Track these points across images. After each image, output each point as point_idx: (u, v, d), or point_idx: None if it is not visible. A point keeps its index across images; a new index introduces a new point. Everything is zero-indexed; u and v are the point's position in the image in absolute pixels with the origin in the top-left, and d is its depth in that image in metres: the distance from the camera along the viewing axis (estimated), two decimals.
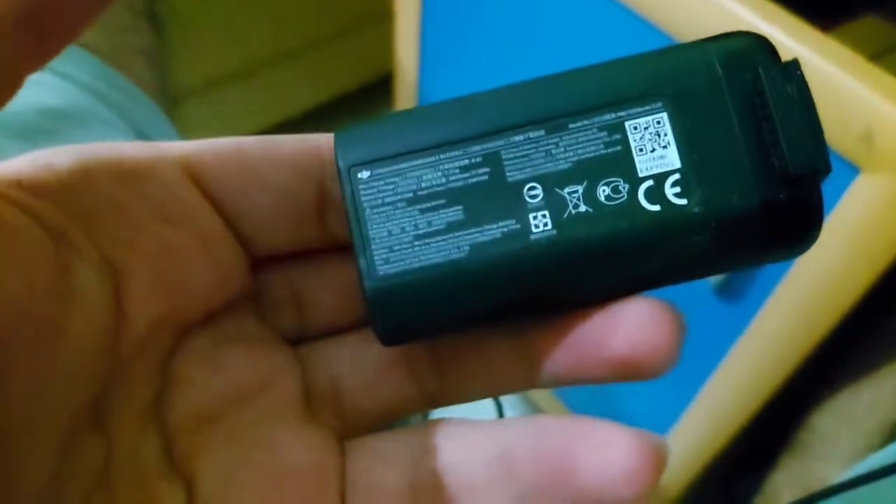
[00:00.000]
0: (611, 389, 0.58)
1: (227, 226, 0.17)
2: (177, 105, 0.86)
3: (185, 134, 0.48)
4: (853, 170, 0.33)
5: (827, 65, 0.32)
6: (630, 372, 0.15)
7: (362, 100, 0.99)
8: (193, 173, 0.16)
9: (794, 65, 0.15)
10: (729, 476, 0.66)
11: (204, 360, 0.17)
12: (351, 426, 0.18)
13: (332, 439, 0.17)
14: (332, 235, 0.18)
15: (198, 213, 0.16)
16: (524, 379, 0.17)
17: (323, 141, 0.17)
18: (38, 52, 0.13)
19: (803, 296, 0.39)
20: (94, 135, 0.35)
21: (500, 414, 0.49)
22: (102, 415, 0.15)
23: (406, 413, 0.18)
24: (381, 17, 0.67)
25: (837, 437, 0.50)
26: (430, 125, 0.17)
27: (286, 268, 0.18)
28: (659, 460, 0.15)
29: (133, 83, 0.44)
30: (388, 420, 0.18)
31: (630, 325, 0.15)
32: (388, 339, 0.16)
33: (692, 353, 0.50)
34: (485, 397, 0.18)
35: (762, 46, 0.16)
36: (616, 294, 0.16)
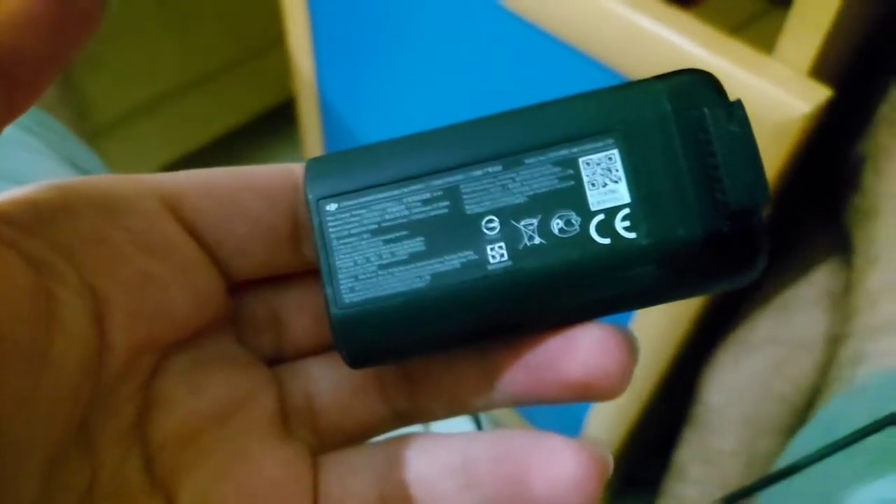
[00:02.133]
0: None
1: (205, 253, 0.18)
2: (93, 142, 0.86)
3: (107, 169, 0.48)
4: None
5: (682, 39, 0.35)
6: (584, 394, 0.16)
7: (276, 120, 0.99)
8: (172, 205, 0.17)
9: (738, 104, 0.16)
10: (645, 460, 0.67)
11: (184, 380, 0.18)
12: (325, 442, 0.19)
13: (306, 454, 0.18)
14: (306, 259, 0.19)
15: (176, 242, 0.17)
16: (488, 399, 0.18)
17: (296, 169, 0.18)
18: (7, 106, 0.13)
19: None
20: (23, 164, 0.36)
21: (479, 427, 0.49)
22: (87, 437, 0.16)
23: (379, 431, 0.19)
24: (284, 40, 0.68)
25: (727, 410, 0.52)
26: (394, 159, 0.17)
27: (263, 291, 0.20)
28: (602, 470, 0.15)
29: (55, 119, 0.44)
30: (361, 437, 0.19)
31: (583, 350, 0.16)
32: (354, 362, 0.17)
33: None
34: (452, 416, 0.19)
35: (709, 85, 0.17)
36: (571, 320, 0.17)
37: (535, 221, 0.16)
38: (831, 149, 0.50)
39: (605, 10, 0.36)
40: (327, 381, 0.19)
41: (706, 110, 0.16)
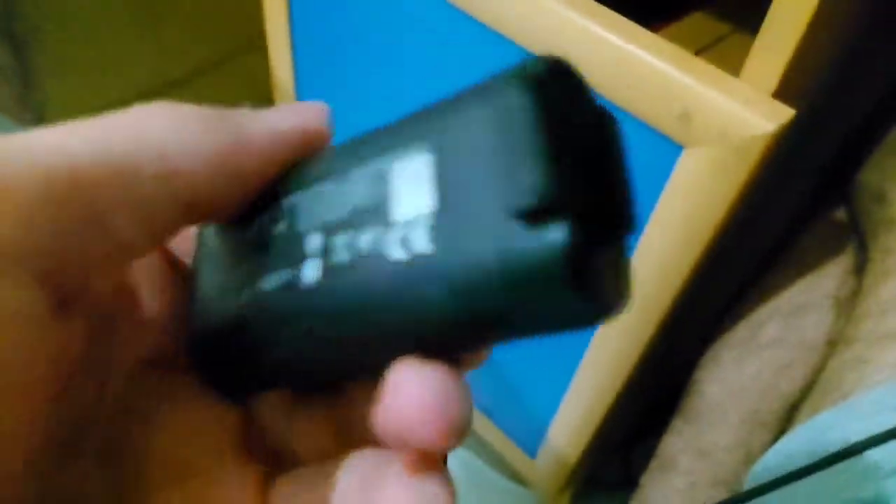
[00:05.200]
0: (504, 369, 0.60)
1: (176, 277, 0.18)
2: None
3: None
4: (677, 147, 0.35)
5: (650, 57, 0.36)
6: (412, 446, 0.14)
7: None
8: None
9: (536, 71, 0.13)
10: (627, 443, 0.68)
11: (159, 398, 0.18)
12: (282, 466, 0.18)
13: (262, 476, 0.18)
14: None
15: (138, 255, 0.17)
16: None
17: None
18: None
19: (651, 265, 0.41)
20: None
21: None
22: (64, 458, 0.15)
23: (325, 454, 0.18)
24: (259, 43, 0.68)
25: (725, 406, 0.51)
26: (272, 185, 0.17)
27: None
28: None
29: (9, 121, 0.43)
30: (310, 460, 0.18)
31: (401, 404, 0.13)
32: (217, 385, 0.17)
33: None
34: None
35: (528, 82, 0.13)
36: (392, 351, 0.14)
37: (346, 237, 0.15)
38: (846, 156, 0.50)
39: (574, 26, 0.36)
40: (275, 409, 0.19)
41: (527, 113, 0.13)
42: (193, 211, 0.16)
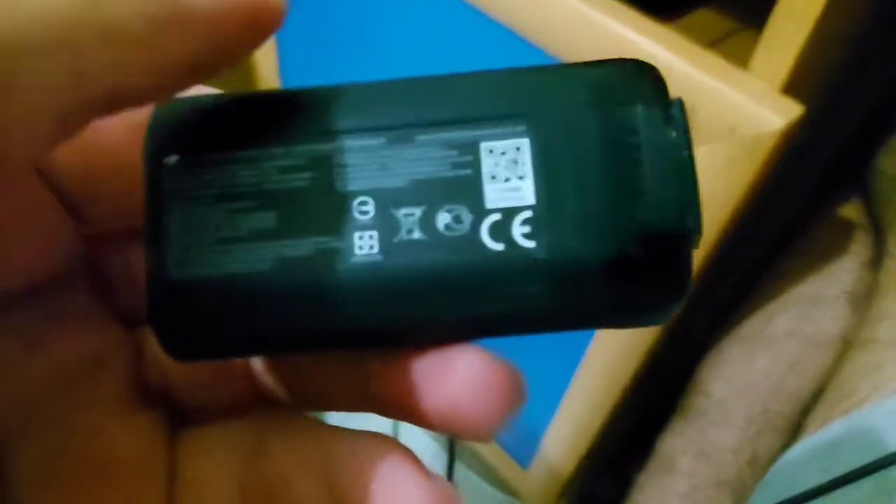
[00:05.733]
0: None
1: (51, 190, 0.14)
2: None
3: None
4: None
5: (659, 49, 0.35)
6: (447, 429, 0.14)
7: None
8: None
9: (678, 104, 0.13)
10: (622, 455, 0.66)
11: (20, 337, 0.15)
12: (184, 417, 0.16)
13: (162, 430, 0.16)
14: None
15: (16, 173, 0.13)
16: (360, 403, 0.16)
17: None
18: None
19: None
20: None
21: None
22: None
23: (242, 410, 0.17)
24: None
25: (731, 404, 0.50)
26: (257, 115, 0.14)
27: (125, 241, 0.16)
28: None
29: None
30: (222, 414, 0.16)
31: (455, 381, 0.13)
32: (174, 352, 0.14)
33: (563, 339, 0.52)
34: (322, 411, 0.17)
35: (645, 77, 0.14)
36: (448, 337, 0.14)
37: (417, 211, 0.13)
38: (860, 144, 0.49)
39: (585, 19, 0.35)
40: None
41: (639, 108, 0.13)
42: (107, 97, 0.12)
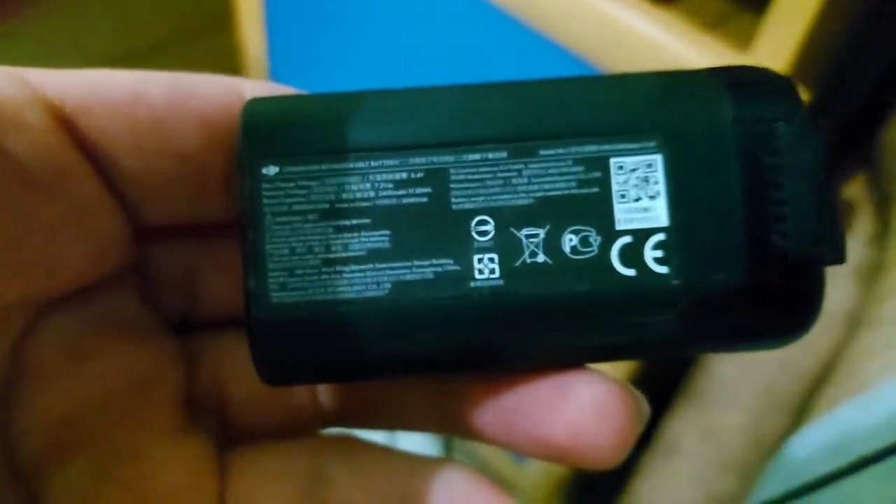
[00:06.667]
0: None
1: (110, 190, 0.13)
2: None
3: None
4: None
5: (659, 33, 0.34)
6: (563, 459, 0.13)
7: None
8: (69, 121, 0.12)
9: (820, 123, 0.13)
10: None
11: (66, 347, 0.14)
12: (235, 437, 0.15)
13: (211, 452, 0.15)
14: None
15: (72, 175, 0.13)
16: (439, 425, 0.15)
17: (248, 87, 0.14)
18: None
19: None
20: None
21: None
22: None
23: (300, 429, 0.15)
24: (226, 21, 0.67)
25: (736, 383, 0.49)
26: (366, 118, 0.13)
27: (179, 242, 0.15)
28: None
29: None
30: (278, 434, 0.15)
31: (575, 408, 0.13)
32: (272, 380, 0.13)
33: None
34: (390, 430, 0.16)
35: (786, 93, 0.13)
36: (562, 361, 0.13)
37: (541, 232, 0.13)
38: (868, 125, 0.48)
39: (583, 3, 0.35)
40: (242, 366, 0.15)
41: (782, 127, 0.13)
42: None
